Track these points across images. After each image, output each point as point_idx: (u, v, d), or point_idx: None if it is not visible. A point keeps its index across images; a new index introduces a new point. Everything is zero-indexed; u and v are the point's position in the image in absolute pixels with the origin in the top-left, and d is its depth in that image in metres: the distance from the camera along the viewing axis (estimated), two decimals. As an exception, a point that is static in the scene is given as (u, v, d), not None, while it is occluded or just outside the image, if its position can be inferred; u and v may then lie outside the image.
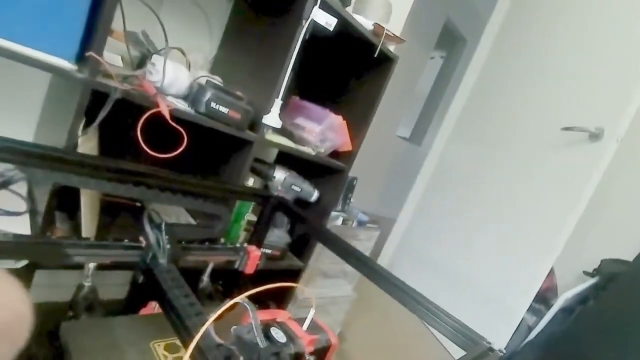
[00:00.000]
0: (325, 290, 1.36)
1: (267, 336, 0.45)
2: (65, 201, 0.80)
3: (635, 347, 1.38)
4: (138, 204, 1.02)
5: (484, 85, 2.27)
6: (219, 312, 0.44)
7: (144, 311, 0.73)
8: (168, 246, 0.62)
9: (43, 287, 0.91)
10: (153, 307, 0.74)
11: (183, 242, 0.70)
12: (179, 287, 0.55)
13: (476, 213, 2.11)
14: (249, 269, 0.85)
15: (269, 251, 1.08)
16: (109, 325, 0.62)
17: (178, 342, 0.61)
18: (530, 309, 1.82)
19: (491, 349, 0.52)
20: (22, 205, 0.80)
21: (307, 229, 0.79)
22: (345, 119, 1.11)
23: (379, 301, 2.21)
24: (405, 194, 2.56)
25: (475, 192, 2.15)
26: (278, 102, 0.89)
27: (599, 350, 1.43)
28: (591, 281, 1.79)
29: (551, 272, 1.83)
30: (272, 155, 1.35)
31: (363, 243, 1.47)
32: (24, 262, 0.72)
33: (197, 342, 0.40)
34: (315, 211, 1.19)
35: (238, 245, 0.84)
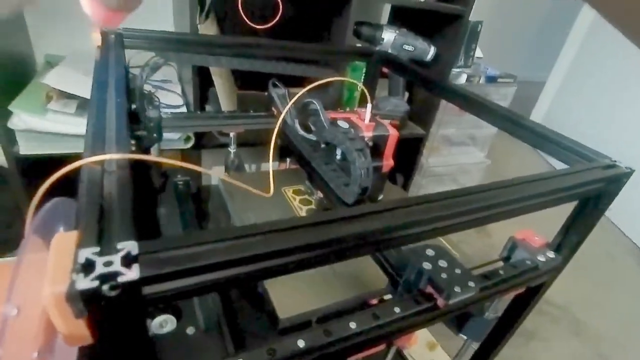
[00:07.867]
0: (452, 158, 1.32)
1: (334, 125, 0.58)
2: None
3: None
4: (265, 94, 1.14)
5: None
6: (296, 98, 0.59)
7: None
8: (294, 112, 0.71)
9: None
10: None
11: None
12: (306, 141, 0.64)
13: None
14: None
15: (387, 121, 1.08)
16: (251, 176, 0.77)
17: (303, 187, 0.72)
18: None
19: (613, 165, 0.43)
20: (179, 100, 1.02)
21: (423, 84, 0.74)
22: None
23: (516, 167, 2.02)
24: (557, 48, 2.07)
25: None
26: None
27: None
28: None
29: None
30: (382, 19, 1.26)
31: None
32: (191, 143, 0.94)
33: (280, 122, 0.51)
34: (433, 72, 1.10)
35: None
